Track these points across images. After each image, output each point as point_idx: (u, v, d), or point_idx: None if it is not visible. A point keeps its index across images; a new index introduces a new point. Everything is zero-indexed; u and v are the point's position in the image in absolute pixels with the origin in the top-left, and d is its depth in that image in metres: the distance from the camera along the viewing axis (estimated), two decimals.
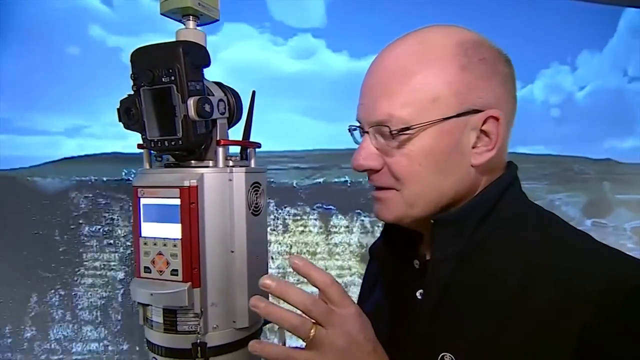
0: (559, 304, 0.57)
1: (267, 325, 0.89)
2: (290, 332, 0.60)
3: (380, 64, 0.67)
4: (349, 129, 0.73)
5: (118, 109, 0.78)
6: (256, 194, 0.80)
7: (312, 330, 0.60)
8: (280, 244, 2.38)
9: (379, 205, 0.70)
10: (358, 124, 0.71)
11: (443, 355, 0.62)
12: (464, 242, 0.65)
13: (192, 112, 0.72)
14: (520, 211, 0.68)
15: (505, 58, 0.68)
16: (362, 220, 2.47)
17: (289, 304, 0.61)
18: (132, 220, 0.77)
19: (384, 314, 0.75)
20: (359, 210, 2.46)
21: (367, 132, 0.68)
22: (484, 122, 0.64)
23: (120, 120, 0.78)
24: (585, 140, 3.03)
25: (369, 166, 0.67)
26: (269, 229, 1.87)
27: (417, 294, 0.70)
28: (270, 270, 2.11)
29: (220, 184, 0.76)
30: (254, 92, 0.85)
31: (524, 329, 0.58)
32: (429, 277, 0.67)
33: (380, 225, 0.80)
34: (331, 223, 2.45)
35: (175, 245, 0.74)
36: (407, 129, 0.63)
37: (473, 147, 0.65)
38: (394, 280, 0.77)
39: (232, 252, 0.77)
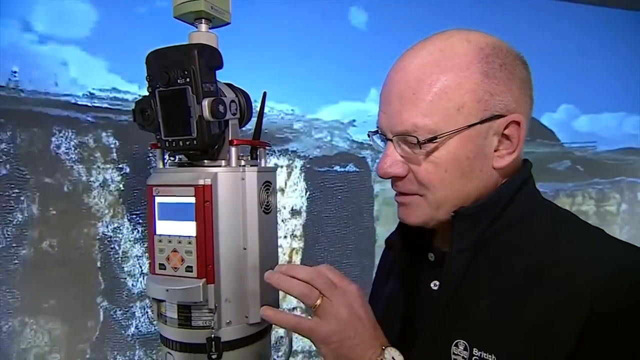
0: (566, 294, 0.59)
1: None
2: (299, 299, 0.67)
3: (401, 73, 0.67)
4: (368, 134, 0.75)
5: (133, 110, 0.80)
6: (267, 192, 0.82)
7: (318, 300, 0.66)
8: None
9: (405, 209, 0.72)
10: (377, 129, 0.72)
11: (457, 342, 0.65)
12: (479, 235, 0.68)
13: (206, 113, 0.74)
14: (533, 208, 0.70)
15: (522, 61, 0.69)
16: None
17: (298, 279, 0.68)
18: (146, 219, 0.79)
19: (398, 304, 0.78)
20: None
21: (391, 140, 0.69)
22: (506, 126, 0.66)
23: (134, 121, 0.80)
24: None
25: (395, 173, 0.69)
26: None
27: (432, 285, 0.73)
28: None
29: (233, 183, 0.78)
30: (264, 93, 0.87)
31: (531, 317, 0.60)
32: (447, 268, 0.69)
33: None
34: None
35: (190, 243, 0.76)
36: (434, 138, 0.64)
37: (495, 151, 0.67)
38: (409, 272, 0.79)
39: (245, 249, 0.79)
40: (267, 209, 0.82)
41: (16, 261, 1.54)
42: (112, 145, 1.65)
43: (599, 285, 0.57)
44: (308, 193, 2.01)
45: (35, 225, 1.55)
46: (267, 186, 0.83)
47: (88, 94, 1.57)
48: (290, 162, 2.00)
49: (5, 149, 1.49)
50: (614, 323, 0.56)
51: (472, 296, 0.67)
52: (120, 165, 1.63)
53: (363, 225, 2.09)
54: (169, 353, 0.80)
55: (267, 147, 0.88)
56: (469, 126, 0.64)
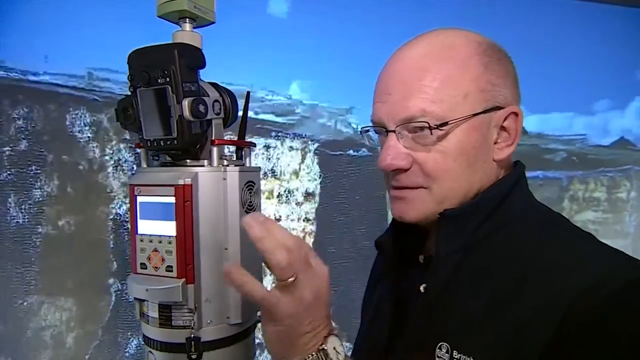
0: (543, 301, 0.58)
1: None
2: (271, 268, 0.58)
3: (402, 62, 0.67)
4: (361, 132, 0.74)
5: (115, 109, 0.80)
6: (250, 192, 0.82)
7: (292, 278, 0.58)
8: None
9: (404, 204, 0.69)
10: (371, 125, 0.71)
11: (440, 345, 0.64)
12: (467, 238, 0.67)
13: (186, 113, 0.74)
14: (524, 210, 0.69)
15: (511, 59, 0.70)
16: None
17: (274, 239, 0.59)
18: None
19: (387, 307, 0.77)
20: None
21: (393, 132, 0.67)
22: (505, 118, 0.67)
23: (117, 120, 0.80)
24: None
25: (399, 166, 0.67)
26: None
27: (421, 288, 0.71)
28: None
29: (214, 183, 0.78)
30: (248, 93, 0.87)
31: (511, 321, 0.59)
32: (433, 270, 0.68)
33: None
34: None
35: (170, 243, 0.76)
36: (445, 124, 0.64)
37: (495, 143, 0.68)
38: (399, 274, 0.78)
39: (226, 249, 0.79)
40: (250, 209, 0.82)
41: (36, 239, 1.58)
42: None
43: (574, 294, 0.56)
44: (321, 177, 2.01)
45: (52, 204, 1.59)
46: (250, 186, 0.82)
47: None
48: (304, 145, 2.00)
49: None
50: (583, 334, 0.55)
51: (457, 299, 0.66)
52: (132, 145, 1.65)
53: (375, 209, 2.08)
54: (151, 352, 0.80)
55: (252, 147, 0.88)
56: (474, 115, 0.65)
